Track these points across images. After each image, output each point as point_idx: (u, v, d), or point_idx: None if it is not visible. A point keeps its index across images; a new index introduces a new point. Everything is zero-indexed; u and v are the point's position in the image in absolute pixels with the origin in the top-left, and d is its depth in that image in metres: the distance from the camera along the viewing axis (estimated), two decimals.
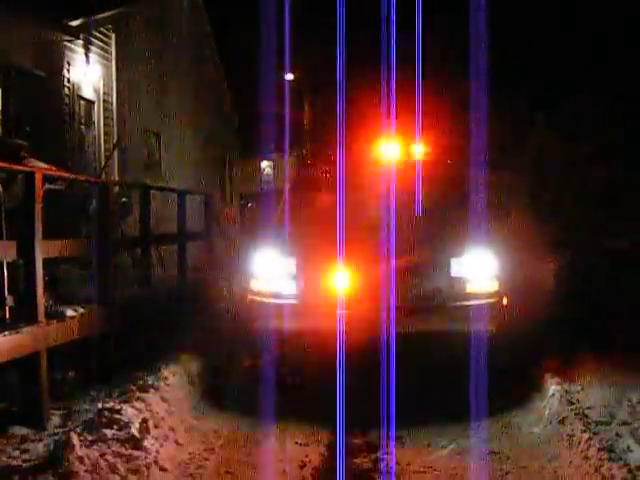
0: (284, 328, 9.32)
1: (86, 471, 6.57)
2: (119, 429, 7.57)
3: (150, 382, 9.03)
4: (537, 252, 13.28)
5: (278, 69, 28.43)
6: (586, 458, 7.18)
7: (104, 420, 7.72)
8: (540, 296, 12.19)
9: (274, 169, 35.41)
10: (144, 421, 7.82)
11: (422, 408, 8.81)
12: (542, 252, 13.71)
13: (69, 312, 9.22)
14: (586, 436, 7.57)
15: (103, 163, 16.36)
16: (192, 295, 13.69)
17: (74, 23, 15.48)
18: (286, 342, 9.21)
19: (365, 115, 12.31)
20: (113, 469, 6.78)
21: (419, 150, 11.40)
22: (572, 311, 11.63)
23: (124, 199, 15.42)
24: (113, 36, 17.78)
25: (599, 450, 7.14)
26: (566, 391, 9.06)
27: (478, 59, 17.97)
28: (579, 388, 9.27)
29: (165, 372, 9.52)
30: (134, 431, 7.55)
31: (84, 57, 16.35)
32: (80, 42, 16.05)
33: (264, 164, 37.36)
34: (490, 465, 7.50)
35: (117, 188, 13.66)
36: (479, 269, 9.54)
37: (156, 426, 7.97)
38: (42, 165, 10.46)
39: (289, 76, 33.48)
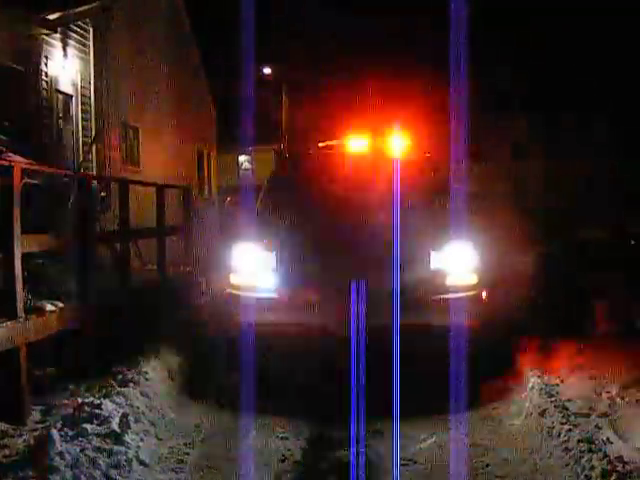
0: (264, 321, 9.30)
1: (67, 466, 6.54)
2: (99, 424, 7.54)
3: (130, 377, 9.01)
4: (516, 244, 13.34)
5: (257, 63, 28.40)
6: (566, 450, 7.24)
7: (84, 415, 7.69)
8: (519, 288, 12.26)
9: (252, 163, 35.38)
10: (124, 416, 7.79)
11: (402, 401, 8.81)
12: (521, 244, 13.78)
13: (49, 307, 9.17)
14: (566, 428, 7.64)
15: (81, 158, 16.28)
16: (171, 289, 13.66)
17: (52, 17, 15.33)
18: (266, 335, 9.18)
19: (343, 109, 12.33)
20: (94, 464, 6.75)
21: (398, 143, 11.42)
22: (550, 302, 11.71)
23: (103, 193, 15.39)
24: (91, 30, 17.63)
25: (579, 442, 7.21)
26: (546, 384, 9.12)
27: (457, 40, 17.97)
28: (558, 381, 9.35)
29: (145, 367, 9.49)
30: (114, 426, 7.53)
31: (62, 51, 16.21)
32: (58, 36, 15.90)
33: (242, 158, 37.32)
34: (471, 457, 7.53)
35: (95, 183, 13.62)
36: (459, 262, 9.57)
37: (136, 421, 7.95)
38: (20, 159, 10.40)
39: (267, 70, 33.50)
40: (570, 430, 7.55)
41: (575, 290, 11.96)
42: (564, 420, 7.87)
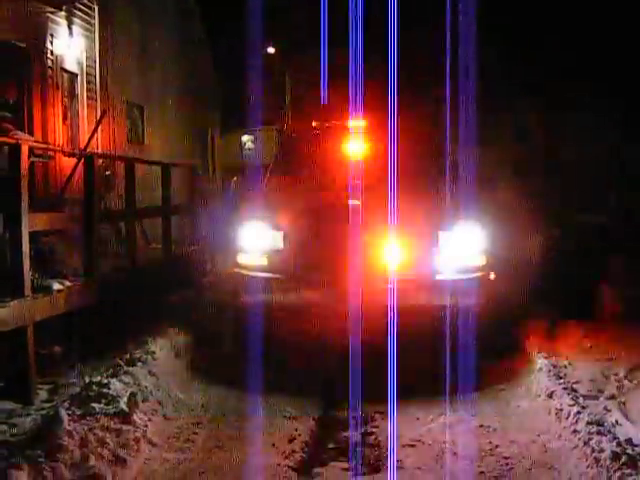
0: (271, 302, 9.27)
1: (75, 445, 6.54)
2: (107, 403, 7.54)
3: (137, 356, 9.01)
4: (524, 226, 13.29)
5: (262, 42, 28.24)
6: (575, 432, 7.19)
7: (92, 394, 7.70)
8: (527, 269, 12.22)
9: (255, 143, 35.18)
10: (132, 395, 7.80)
11: (410, 382, 8.81)
12: (529, 226, 13.72)
13: (56, 286, 9.17)
14: (575, 410, 7.59)
15: (87, 137, 16.22)
16: (177, 268, 13.64)
17: None
18: (273, 316, 9.16)
19: (347, 88, 12.21)
20: (102, 443, 6.75)
21: (404, 122, 11.35)
22: (557, 283, 11.68)
23: (107, 172, 15.36)
24: (96, 8, 17.56)
25: (588, 424, 7.17)
26: (553, 365, 9.11)
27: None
28: (566, 362, 9.35)
29: (152, 346, 9.50)
30: (122, 405, 7.52)
31: (67, 29, 16.13)
32: (63, 14, 15.82)
33: (245, 138, 37.12)
34: (479, 438, 7.50)
35: (100, 161, 13.57)
36: (467, 243, 9.51)
37: (144, 400, 7.95)
38: (28, 137, 10.37)
39: (270, 49, 33.34)
40: (579, 412, 7.50)
41: (581, 273, 11.92)
42: (572, 402, 7.83)
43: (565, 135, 19.94)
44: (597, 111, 19.23)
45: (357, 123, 11.30)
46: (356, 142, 10.85)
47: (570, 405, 7.78)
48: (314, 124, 12.10)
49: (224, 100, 31.27)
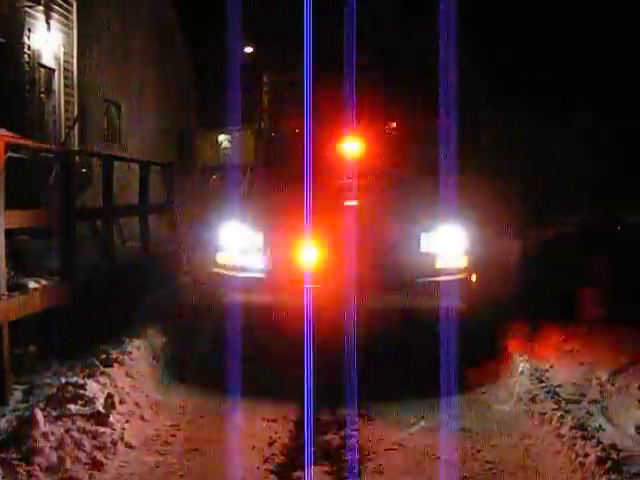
0: (251, 302, 9.17)
1: (51, 447, 6.40)
2: (84, 404, 7.39)
3: (114, 356, 8.84)
4: (504, 228, 13.26)
5: (240, 41, 28.18)
6: (559, 436, 7.14)
7: (68, 395, 7.53)
8: (509, 270, 12.18)
9: (232, 142, 35.28)
10: (109, 396, 7.65)
11: (391, 385, 8.76)
12: (508, 228, 13.70)
13: (31, 284, 9.01)
14: (558, 414, 7.53)
15: (64, 133, 16.06)
16: (155, 268, 13.51)
17: None
18: (253, 316, 9.05)
19: (328, 89, 12.14)
20: (79, 445, 6.61)
21: (383, 123, 11.30)
22: (539, 286, 11.63)
23: (84, 169, 15.20)
24: (75, 4, 17.42)
25: (571, 428, 7.12)
26: (535, 369, 9.04)
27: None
28: (548, 366, 9.26)
29: (129, 346, 9.34)
30: (99, 407, 7.38)
31: (45, 24, 15.97)
32: (41, 8, 15.67)
33: (222, 137, 37.24)
34: (461, 442, 7.42)
35: (77, 158, 13.40)
36: (449, 244, 9.45)
37: (121, 402, 7.81)
38: (5, 132, 10.19)
39: (248, 49, 33.23)
40: (562, 416, 7.44)
41: (563, 274, 11.85)
42: (555, 406, 7.78)
43: (547, 136, 19.97)
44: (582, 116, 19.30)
45: (339, 122, 11.24)
46: (338, 141, 10.78)
47: (553, 409, 7.72)
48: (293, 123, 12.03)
49: (201, 99, 31.25)
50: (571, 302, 11.19)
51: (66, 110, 17.10)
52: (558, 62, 20.94)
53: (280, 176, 10.64)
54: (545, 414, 7.72)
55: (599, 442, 6.67)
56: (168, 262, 14.64)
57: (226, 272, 9.55)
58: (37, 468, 6.09)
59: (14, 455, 6.17)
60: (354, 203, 9.65)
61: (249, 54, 33.13)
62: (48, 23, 16.11)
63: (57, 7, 16.54)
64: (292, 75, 16.13)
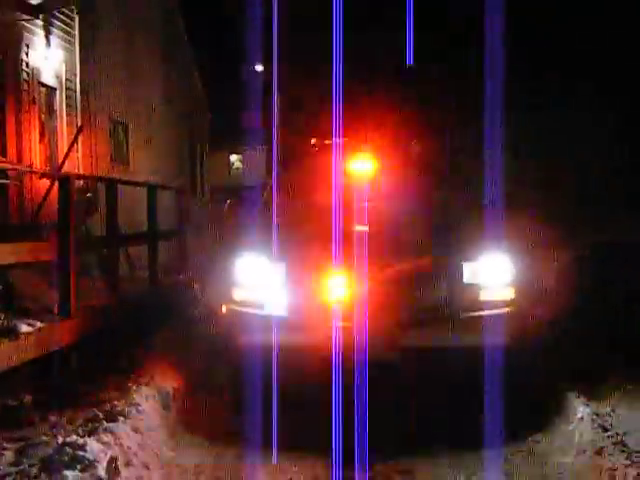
0: (272, 343, 8.16)
1: None
2: (83, 469, 6.40)
3: (119, 408, 7.85)
4: (548, 249, 12.30)
5: (249, 61, 27.80)
6: None
7: (65, 458, 6.54)
8: (560, 300, 11.19)
9: (243, 162, 34.81)
10: (113, 460, 6.67)
11: (433, 435, 7.78)
12: (553, 248, 12.74)
13: (24, 328, 8.11)
14: (634, 472, 6.46)
15: (65, 155, 15.22)
16: (165, 301, 12.68)
17: (33, 1, 14.34)
18: (274, 359, 8.07)
19: (349, 108, 11.22)
20: None
21: (415, 138, 10.42)
22: (591, 316, 10.63)
23: (89, 194, 14.47)
24: (77, 18, 16.68)
25: None
26: (596, 414, 7.96)
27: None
28: (609, 410, 8.18)
29: (136, 395, 8.35)
30: (101, 472, 6.41)
31: (45, 40, 15.22)
32: (40, 23, 14.90)
33: (233, 158, 36.76)
34: None
35: (81, 182, 12.63)
36: (494, 275, 8.47)
37: (127, 464, 6.85)
38: None
39: (259, 67, 32.78)
40: (639, 474, 6.39)
41: (616, 300, 10.86)
42: (628, 462, 6.71)
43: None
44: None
45: (363, 141, 10.35)
46: (363, 161, 9.81)
47: (626, 466, 6.65)
48: (313, 141, 11.16)
49: (212, 119, 30.78)
50: (632, 334, 10.16)
51: (69, 131, 16.29)
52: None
53: (302, 201, 9.70)
54: (616, 470, 6.66)
55: None
56: (179, 293, 13.84)
57: (243, 309, 8.58)
58: None
59: None
60: (383, 230, 8.68)
61: (261, 71, 32.67)
62: (48, 39, 15.38)
63: (57, 22, 15.81)
64: (312, 92, 15.34)
